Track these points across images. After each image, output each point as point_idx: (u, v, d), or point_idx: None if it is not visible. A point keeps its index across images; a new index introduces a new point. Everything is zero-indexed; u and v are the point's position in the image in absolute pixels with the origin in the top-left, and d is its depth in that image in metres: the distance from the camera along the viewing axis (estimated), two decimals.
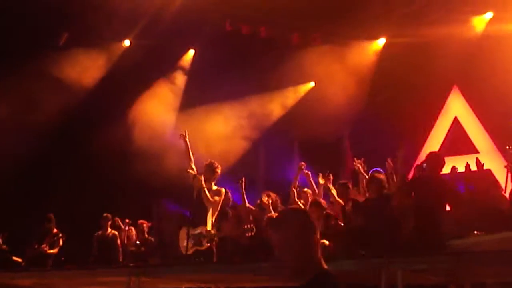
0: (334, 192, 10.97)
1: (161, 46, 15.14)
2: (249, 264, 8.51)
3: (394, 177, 10.26)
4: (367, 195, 10.07)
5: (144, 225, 13.00)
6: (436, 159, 9.41)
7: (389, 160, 10.83)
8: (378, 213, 8.91)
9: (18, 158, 13.94)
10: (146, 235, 12.98)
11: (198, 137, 14.31)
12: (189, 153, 10.64)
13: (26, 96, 14.12)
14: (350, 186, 11.03)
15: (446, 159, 10.90)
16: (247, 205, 11.16)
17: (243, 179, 11.15)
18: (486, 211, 8.74)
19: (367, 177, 10.49)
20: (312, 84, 17.09)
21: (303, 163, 11.80)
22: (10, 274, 10.75)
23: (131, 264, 10.64)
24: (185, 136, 10.68)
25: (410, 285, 7.14)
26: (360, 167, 11.09)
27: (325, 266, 3.40)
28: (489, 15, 14.64)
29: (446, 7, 13.73)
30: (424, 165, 9.33)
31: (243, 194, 11.18)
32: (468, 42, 14.52)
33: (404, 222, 8.71)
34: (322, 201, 10.47)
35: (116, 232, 13.04)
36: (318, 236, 3.51)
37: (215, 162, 10.52)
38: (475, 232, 8.36)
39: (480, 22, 14.74)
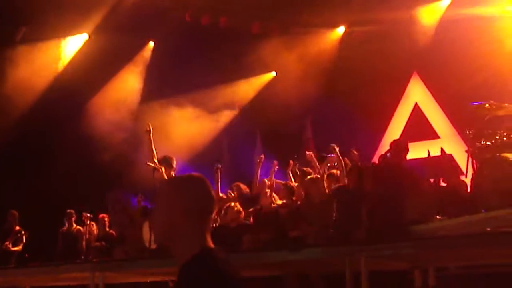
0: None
1: (121, 38, 14.96)
2: None
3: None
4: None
5: (106, 219, 12.86)
6: (400, 145, 9.49)
7: (353, 150, 10.89)
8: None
9: None
10: (107, 229, 12.84)
11: (160, 129, 14.27)
12: (152, 147, 10.59)
13: None
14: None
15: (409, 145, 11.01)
16: (220, 194, 11.12)
17: (219, 167, 11.12)
18: (447, 196, 8.84)
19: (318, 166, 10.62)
20: (273, 74, 17.08)
21: (261, 156, 11.81)
22: None
23: (95, 260, 10.53)
24: (149, 130, 10.62)
25: (374, 272, 7.16)
26: (313, 156, 11.10)
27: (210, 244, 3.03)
28: (447, 0, 14.75)
29: None
30: (388, 154, 9.40)
31: (218, 182, 11.15)
32: (427, 28, 14.62)
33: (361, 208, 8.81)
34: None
35: (81, 228, 12.90)
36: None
37: (169, 155, 10.57)
38: (437, 217, 8.45)
39: (439, 7, 14.84)
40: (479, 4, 13.53)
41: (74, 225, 12.93)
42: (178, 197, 3.05)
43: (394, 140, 9.95)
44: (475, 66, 13.27)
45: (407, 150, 9.44)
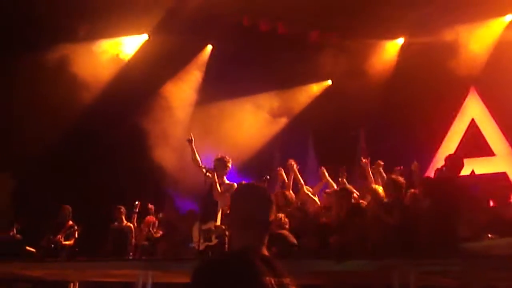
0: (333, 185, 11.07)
1: (179, 40, 15.12)
2: None
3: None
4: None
5: (154, 220, 13.01)
6: (455, 161, 9.38)
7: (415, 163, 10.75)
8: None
9: (35, 150, 14.02)
10: (155, 230, 12.98)
11: (214, 132, 14.39)
12: (195, 155, 10.61)
13: (44, 90, 14.15)
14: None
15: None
16: None
17: (267, 178, 11.15)
18: (500, 215, 8.70)
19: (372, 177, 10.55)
20: (329, 82, 17.06)
21: (292, 161, 11.81)
22: (21, 264, 10.80)
23: (144, 258, 10.67)
24: (191, 140, 10.68)
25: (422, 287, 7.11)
26: (368, 165, 11.05)
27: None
28: (509, 17, 14.55)
29: (465, 8, 13.60)
30: (444, 169, 9.29)
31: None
32: (487, 44, 14.45)
33: (419, 224, 8.68)
34: None
35: (131, 225, 13.02)
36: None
37: (226, 157, 10.57)
38: (489, 235, 8.32)
39: (500, 24, 14.65)
40: None
41: (125, 221, 13.05)
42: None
43: (450, 155, 9.84)
44: None
45: (462, 166, 9.34)
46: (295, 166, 11.71)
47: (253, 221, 3.39)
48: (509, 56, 13.82)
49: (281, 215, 9.90)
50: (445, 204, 8.50)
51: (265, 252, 3.35)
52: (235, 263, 3.18)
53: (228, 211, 9.95)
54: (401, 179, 9.57)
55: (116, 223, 13.04)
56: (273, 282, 3.15)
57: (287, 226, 9.89)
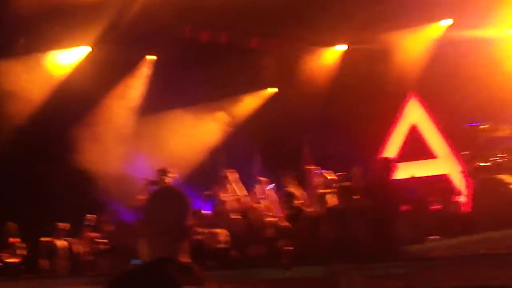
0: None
1: (122, 52, 15.00)
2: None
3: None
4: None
5: (94, 235, 12.80)
6: (386, 164, 9.54)
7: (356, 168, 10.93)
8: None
9: None
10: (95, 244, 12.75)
11: (158, 142, 14.32)
12: None
13: None
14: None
15: (405, 164, 11.07)
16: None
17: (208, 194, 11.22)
18: (441, 217, 8.87)
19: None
20: (273, 89, 17.14)
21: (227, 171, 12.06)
22: None
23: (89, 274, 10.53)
24: None
25: None
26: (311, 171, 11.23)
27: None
28: (447, 22, 14.84)
29: (404, 13, 13.83)
30: (377, 172, 9.44)
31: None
32: (425, 49, 14.74)
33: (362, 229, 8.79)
34: None
35: (68, 240, 12.73)
36: None
37: (168, 167, 10.59)
38: (430, 237, 8.48)
39: (438, 29, 14.95)
40: (479, 26, 13.61)
41: (62, 238, 12.74)
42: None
43: (381, 157, 10.02)
44: (472, 88, 13.33)
45: (394, 168, 9.49)
46: (231, 175, 11.81)
47: (169, 227, 3.19)
48: (447, 60, 14.09)
49: (220, 231, 9.99)
50: (386, 208, 8.63)
51: (184, 259, 3.18)
52: (148, 274, 2.96)
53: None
54: (349, 184, 9.73)
55: (50, 239, 12.74)
56: None
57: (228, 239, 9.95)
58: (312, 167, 11.56)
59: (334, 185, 10.60)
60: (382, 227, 8.41)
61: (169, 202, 3.28)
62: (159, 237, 3.21)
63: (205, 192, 11.89)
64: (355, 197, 9.45)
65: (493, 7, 12.93)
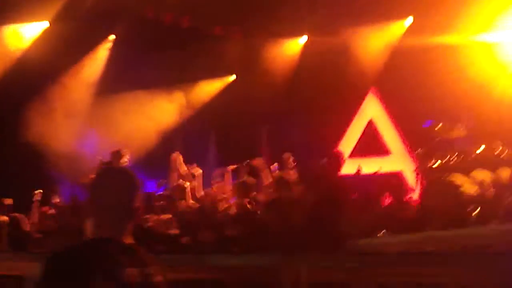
0: None
1: (81, 29, 14.76)
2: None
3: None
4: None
5: (42, 211, 12.56)
6: (335, 157, 9.60)
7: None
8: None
9: None
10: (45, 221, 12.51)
11: (113, 123, 14.17)
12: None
13: None
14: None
15: (358, 160, 11.10)
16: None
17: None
18: (392, 214, 8.92)
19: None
20: (233, 77, 17.09)
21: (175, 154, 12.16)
22: None
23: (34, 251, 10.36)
24: None
25: (312, 283, 7.19)
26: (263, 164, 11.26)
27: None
28: (409, 21, 14.95)
29: (366, 10, 13.89)
30: (325, 164, 9.49)
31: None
32: (387, 46, 14.84)
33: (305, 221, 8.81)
34: None
35: (13, 216, 12.46)
36: None
37: (123, 149, 10.51)
38: (381, 233, 8.53)
39: (399, 27, 15.05)
40: (442, 31, 13.68)
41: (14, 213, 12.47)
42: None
43: (332, 151, 10.07)
44: (432, 87, 13.45)
45: (342, 162, 9.57)
46: (179, 158, 11.83)
47: (115, 207, 3.18)
48: (408, 58, 14.19)
49: (170, 216, 9.94)
50: (329, 201, 8.66)
51: (128, 240, 3.17)
52: (90, 253, 2.98)
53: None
54: (290, 175, 9.76)
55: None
56: (135, 273, 3.01)
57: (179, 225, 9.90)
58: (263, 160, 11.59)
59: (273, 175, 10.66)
60: (325, 220, 8.43)
61: (116, 182, 3.27)
62: (103, 217, 3.19)
63: (159, 180, 11.83)
64: (295, 188, 9.51)
65: (456, 13, 13.02)
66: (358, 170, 10.54)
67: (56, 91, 15.21)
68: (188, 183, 11.30)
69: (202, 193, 11.48)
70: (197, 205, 10.85)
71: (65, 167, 13.79)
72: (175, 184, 11.49)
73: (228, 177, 11.61)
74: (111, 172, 3.51)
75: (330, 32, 15.04)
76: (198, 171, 11.98)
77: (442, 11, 13.21)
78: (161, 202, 11.03)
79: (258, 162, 11.22)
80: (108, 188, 3.24)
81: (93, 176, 4.21)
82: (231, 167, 11.69)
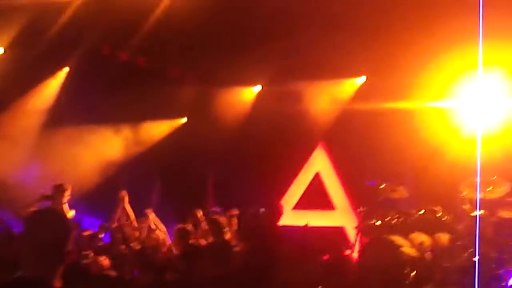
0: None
1: (36, 58, 14.62)
2: None
3: None
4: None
5: None
6: (274, 208, 9.68)
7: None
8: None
9: None
10: None
11: (58, 155, 13.98)
12: None
13: None
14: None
15: (303, 212, 11.16)
16: None
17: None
18: (329, 268, 8.93)
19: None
20: (184, 119, 17.07)
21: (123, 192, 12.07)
22: None
23: None
24: None
25: None
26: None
27: None
28: (361, 79, 15.19)
29: (321, 65, 14.06)
30: (263, 213, 9.57)
31: None
32: (338, 102, 15.03)
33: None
34: None
35: None
36: None
37: (65, 184, 10.40)
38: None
39: (351, 85, 15.27)
40: (395, 94, 13.84)
41: None
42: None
43: (272, 202, 10.13)
44: (379, 147, 13.63)
45: (281, 213, 9.65)
46: (125, 198, 11.79)
47: (46, 249, 3.16)
48: (358, 117, 14.39)
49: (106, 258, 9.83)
50: (262, 250, 8.68)
51: (57, 284, 3.14)
52: None
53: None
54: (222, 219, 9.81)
55: None
56: None
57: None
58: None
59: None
60: (257, 268, 8.42)
61: (49, 225, 3.24)
62: (36, 256, 3.16)
63: (102, 224, 11.77)
64: (226, 236, 9.52)
65: (410, 78, 13.26)
66: (306, 225, 10.62)
67: (5, 118, 14.98)
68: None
69: (142, 226, 11.43)
70: (138, 246, 10.74)
71: (2, 196, 13.55)
72: (117, 224, 11.40)
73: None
74: (46, 214, 3.44)
75: (284, 83, 15.20)
76: (151, 213, 11.94)
77: (395, 74, 13.43)
78: (101, 243, 10.92)
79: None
80: (41, 230, 3.21)
81: (32, 209, 4.17)
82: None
